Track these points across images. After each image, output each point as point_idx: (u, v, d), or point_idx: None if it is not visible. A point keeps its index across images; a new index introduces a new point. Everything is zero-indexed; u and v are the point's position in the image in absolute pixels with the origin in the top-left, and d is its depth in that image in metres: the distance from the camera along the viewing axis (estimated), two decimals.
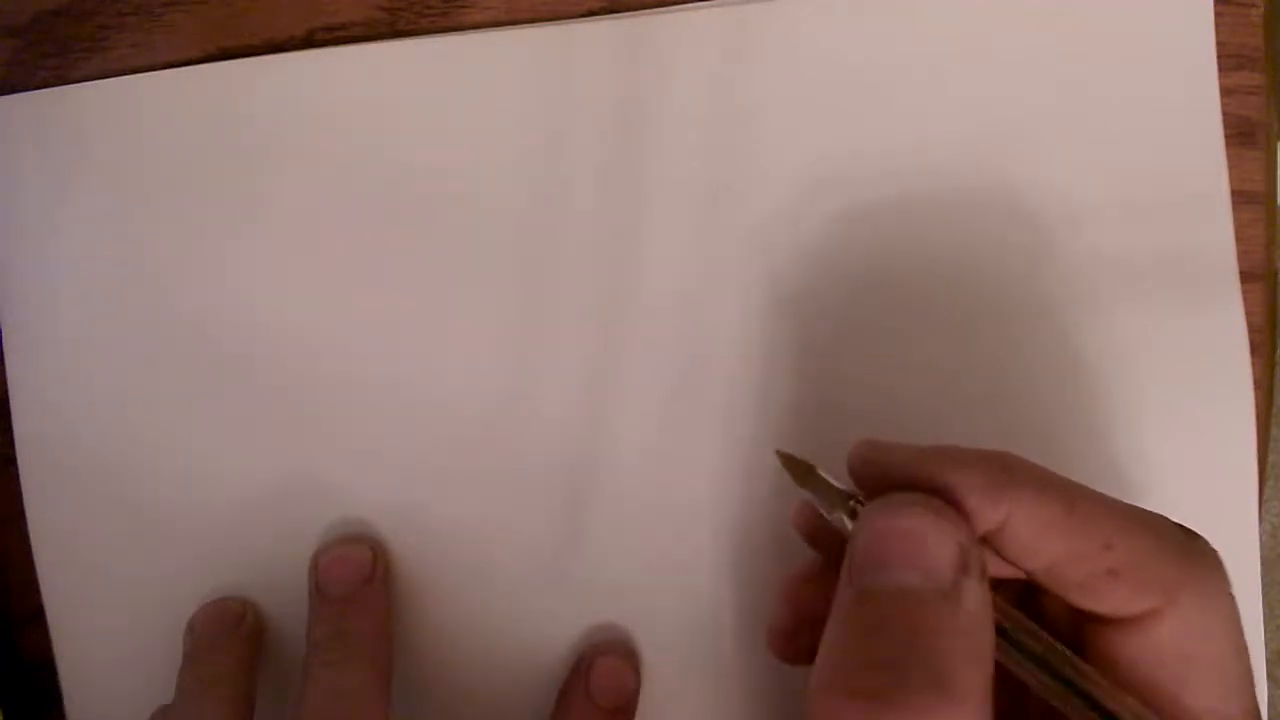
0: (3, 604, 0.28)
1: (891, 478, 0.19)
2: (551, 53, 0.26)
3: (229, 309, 0.27)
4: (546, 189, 0.26)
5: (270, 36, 0.27)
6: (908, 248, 0.26)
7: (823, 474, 0.21)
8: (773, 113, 0.26)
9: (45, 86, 0.27)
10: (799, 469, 0.21)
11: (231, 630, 0.26)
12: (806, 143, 0.26)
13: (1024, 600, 0.20)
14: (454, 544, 0.27)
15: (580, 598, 0.27)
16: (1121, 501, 0.18)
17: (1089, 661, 0.18)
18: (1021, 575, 0.19)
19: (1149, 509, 0.19)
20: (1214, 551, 0.18)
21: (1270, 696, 0.26)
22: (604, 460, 0.27)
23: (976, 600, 0.17)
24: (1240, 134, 0.26)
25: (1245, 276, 0.26)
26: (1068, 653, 0.18)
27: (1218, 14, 0.26)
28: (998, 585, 0.18)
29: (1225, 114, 0.26)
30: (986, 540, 0.18)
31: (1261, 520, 0.26)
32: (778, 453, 0.22)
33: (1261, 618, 0.26)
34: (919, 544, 0.17)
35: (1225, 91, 0.26)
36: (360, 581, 0.26)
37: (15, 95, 0.27)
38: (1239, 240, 0.26)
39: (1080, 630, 0.19)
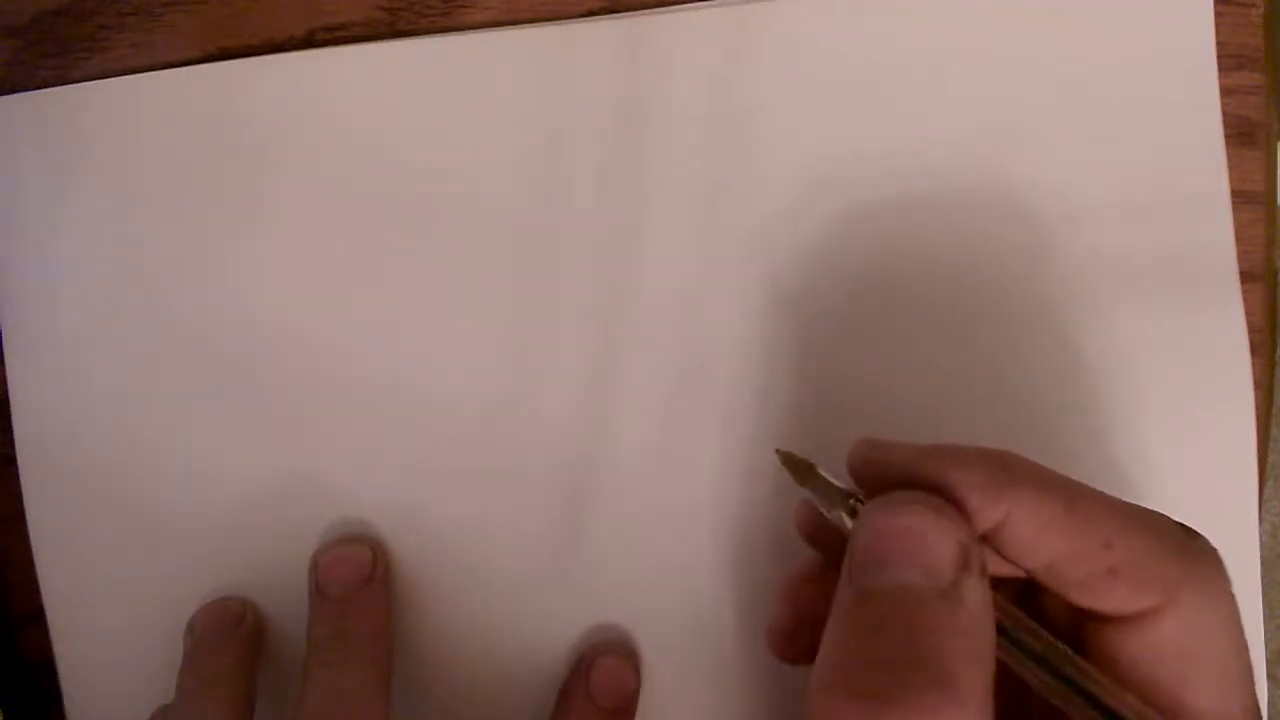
0: (3, 604, 0.28)
1: (891, 476, 0.19)
2: (551, 53, 0.26)
3: (229, 309, 0.27)
4: (546, 189, 0.26)
5: (270, 36, 0.27)
6: (908, 248, 0.26)
7: (823, 473, 0.21)
8: (772, 113, 0.26)
9: (45, 86, 0.27)
10: (799, 468, 0.21)
11: (231, 630, 0.26)
12: (806, 143, 0.26)
13: (1024, 599, 0.20)
14: (454, 544, 0.27)
15: (580, 598, 0.27)
16: (1122, 500, 0.18)
17: (1089, 660, 0.18)
18: (1021, 574, 0.19)
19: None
20: (1214, 550, 0.18)
21: (1270, 696, 0.26)
22: (604, 460, 0.27)
23: (977, 599, 0.17)
24: (1240, 134, 0.26)
25: (1245, 276, 0.26)
26: (1068, 651, 0.18)
27: (1218, 14, 0.26)
28: (998, 584, 0.18)
29: (1225, 114, 0.26)
30: (986, 539, 0.18)
31: (1261, 520, 0.26)
32: (778, 451, 0.22)
33: (1261, 617, 0.26)
34: (919, 542, 0.17)
35: (1225, 91, 0.26)
36: (360, 581, 0.26)
37: (15, 95, 0.27)
38: (1239, 240, 0.26)
39: (1080, 629, 0.19)
